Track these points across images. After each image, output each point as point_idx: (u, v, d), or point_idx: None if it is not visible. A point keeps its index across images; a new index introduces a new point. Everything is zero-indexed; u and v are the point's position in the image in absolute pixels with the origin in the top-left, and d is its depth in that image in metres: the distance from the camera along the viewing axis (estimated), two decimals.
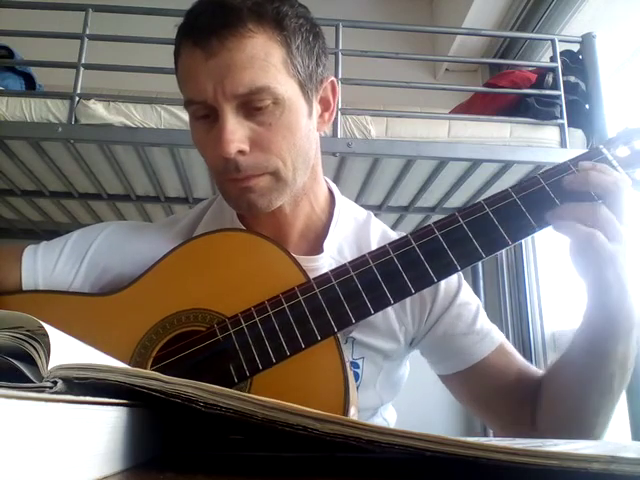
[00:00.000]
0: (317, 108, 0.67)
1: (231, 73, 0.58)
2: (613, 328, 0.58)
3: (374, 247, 0.70)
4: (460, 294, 0.72)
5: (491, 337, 0.70)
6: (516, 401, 0.68)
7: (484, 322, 0.71)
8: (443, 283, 0.70)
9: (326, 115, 0.69)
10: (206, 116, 0.61)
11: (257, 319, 0.58)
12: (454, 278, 0.72)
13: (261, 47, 0.58)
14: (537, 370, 0.70)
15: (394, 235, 0.74)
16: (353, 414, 0.55)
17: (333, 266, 0.62)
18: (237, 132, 0.59)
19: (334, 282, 0.59)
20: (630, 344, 0.59)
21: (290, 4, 0.62)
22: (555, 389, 0.65)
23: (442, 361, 0.73)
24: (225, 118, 0.59)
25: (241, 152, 0.60)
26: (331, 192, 0.76)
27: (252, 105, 0.59)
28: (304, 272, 0.60)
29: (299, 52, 0.61)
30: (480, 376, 0.70)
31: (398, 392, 0.77)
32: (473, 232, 0.59)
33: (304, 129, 0.63)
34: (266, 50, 0.59)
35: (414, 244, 0.59)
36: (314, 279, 0.60)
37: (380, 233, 0.74)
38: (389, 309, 0.68)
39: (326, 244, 0.70)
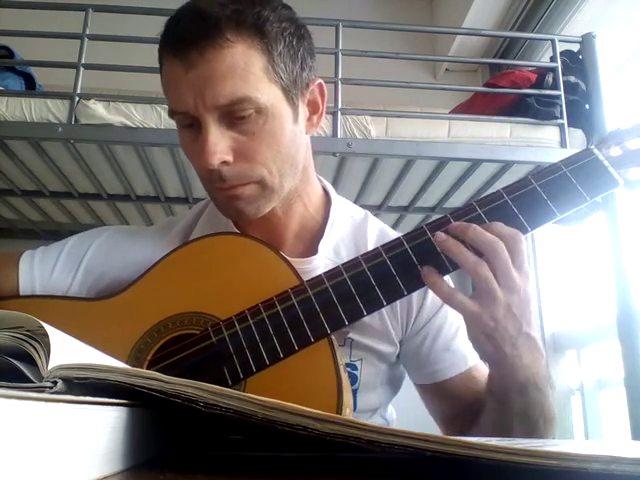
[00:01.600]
0: (304, 112, 0.66)
1: (211, 84, 0.57)
2: (502, 383, 0.58)
3: (371, 246, 0.70)
4: (446, 306, 0.71)
5: (465, 360, 0.70)
6: (470, 417, 0.68)
7: (463, 341, 0.71)
8: (431, 292, 0.70)
9: (314, 118, 0.68)
10: (190, 125, 0.61)
11: (251, 322, 0.58)
12: None
13: (240, 56, 0.58)
14: None
15: (393, 234, 0.74)
16: (347, 415, 0.55)
17: (329, 267, 0.62)
18: (219, 143, 0.58)
19: (327, 284, 0.59)
20: (529, 399, 0.58)
21: (272, 7, 0.61)
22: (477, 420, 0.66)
23: (414, 370, 0.74)
24: (207, 129, 0.58)
25: (225, 163, 0.59)
26: (326, 192, 0.76)
27: (234, 115, 0.59)
28: (297, 274, 0.61)
29: (281, 58, 0.60)
30: (447, 391, 0.71)
31: (397, 392, 0.78)
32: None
33: (289, 135, 0.63)
34: (246, 59, 0.58)
35: (406, 246, 0.59)
36: (307, 281, 0.60)
37: (378, 232, 0.74)
38: (385, 313, 0.69)
39: (321, 245, 0.70)
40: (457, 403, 0.70)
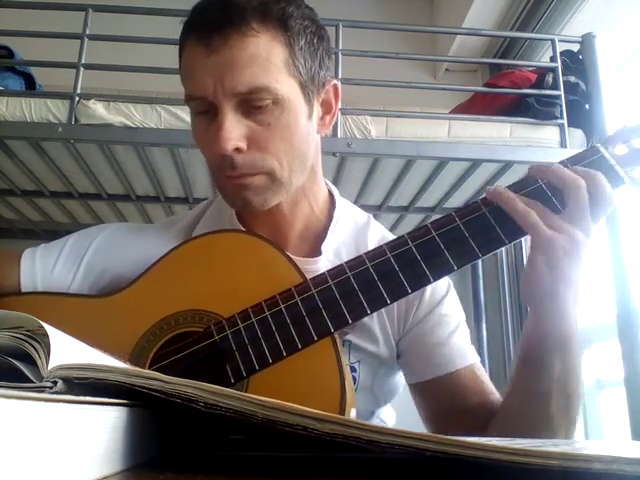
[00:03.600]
0: (318, 110, 0.67)
1: (231, 71, 0.58)
2: (545, 337, 0.58)
3: None
4: (444, 303, 0.71)
5: (464, 354, 0.69)
6: (471, 423, 0.67)
7: (462, 339, 0.70)
8: (430, 288, 0.69)
9: (327, 118, 0.69)
10: (206, 112, 0.61)
11: (254, 320, 0.58)
12: (443, 286, 0.71)
13: (263, 46, 0.58)
14: (499, 399, 0.68)
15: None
16: (351, 414, 0.55)
17: None
18: (235, 130, 0.59)
19: (331, 282, 0.59)
20: (568, 362, 0.58)
21: (296, 5, 0.62)
22: (501, 413, 0.64)
23: (411, 365, 0.71)
24: (224, 115, 0.59)
25: (238, 150, 0.60)
26: (331, 194, 0.76)
27: (252, 104, 0.59)
28: (301, 273, 0.60)
29: (302, 53, 0.61)
30: (444, 390, 0.68)
31: (395, 395, 0.77)
32: (470, 232, 0.59)
33: (303, 130, 0.63)
34: (268, 50, 0.59)
35: (411, 244, 0.59)
36: (311, 279, 0.59)
37: (379, 237, 0.74)
38: (384, 316, 0.68)
39: (324, 246, 0.70)
40: (460, 401, 0.68)
